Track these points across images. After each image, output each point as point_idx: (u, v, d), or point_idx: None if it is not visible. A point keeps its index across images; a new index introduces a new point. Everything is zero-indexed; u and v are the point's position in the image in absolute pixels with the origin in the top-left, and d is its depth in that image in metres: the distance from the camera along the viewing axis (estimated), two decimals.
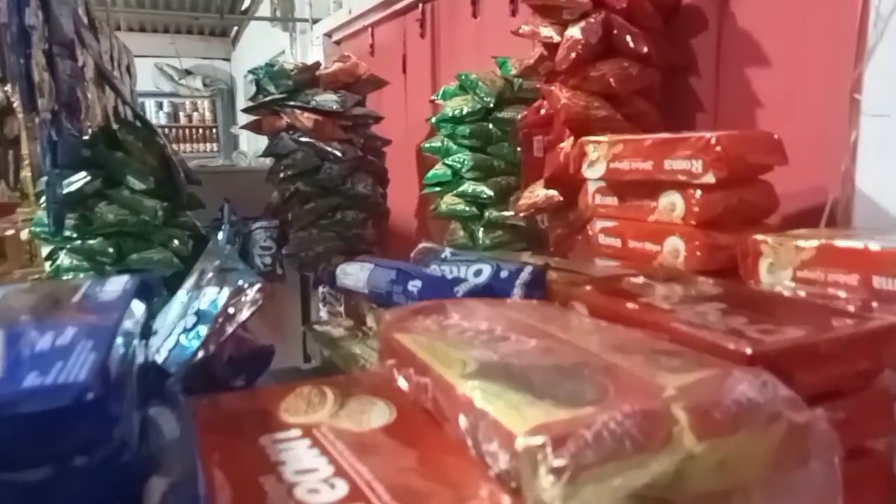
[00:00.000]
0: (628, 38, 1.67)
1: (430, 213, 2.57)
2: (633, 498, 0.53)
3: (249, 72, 3.06)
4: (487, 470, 0.59)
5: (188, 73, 9.23)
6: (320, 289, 3.28)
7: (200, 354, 0.92)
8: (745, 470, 0.58)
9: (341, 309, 2.29)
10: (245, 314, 0.96)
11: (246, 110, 3.06)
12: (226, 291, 0.99)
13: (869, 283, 1.00)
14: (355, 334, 1.33)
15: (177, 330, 0.96)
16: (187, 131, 9.82)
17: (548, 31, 1.77)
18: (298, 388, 0.81)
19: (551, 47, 1.77)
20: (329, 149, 2.92)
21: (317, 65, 3.07)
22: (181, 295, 1.06)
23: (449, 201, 2.38)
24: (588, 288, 1.00)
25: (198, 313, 0.97)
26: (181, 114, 9.92)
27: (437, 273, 1.20)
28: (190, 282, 1.09)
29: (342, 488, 0.57)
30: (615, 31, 1.68)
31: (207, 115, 9.92)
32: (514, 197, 2.15)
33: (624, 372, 0.64)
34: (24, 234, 1.76)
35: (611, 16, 1.68)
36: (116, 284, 0.70)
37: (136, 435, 0.48)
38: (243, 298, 0.98)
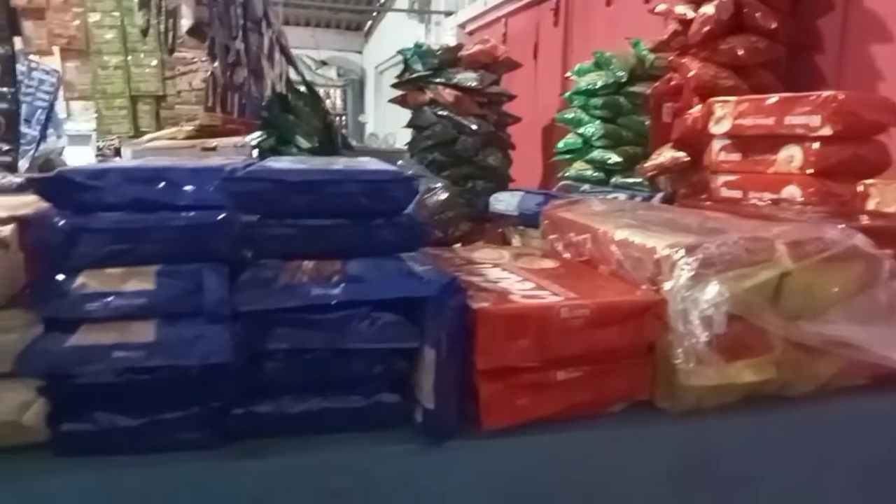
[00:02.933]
0: (758, 14, 1.84)
1: (558, 179, 2.80)
2: (745, 302, 0.76)
3: (398, 52, 3.40)
4: (635, 285, 0.84)
5: (324, 63, 9.88)
6: None
7: None
8: (827, 291, 0.79)
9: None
10: (435, 204, 1.26)
11: (395, 85, 3.40)
12: (420, 189, 1.29)
13: None
14: None
15: None
16: None
17: (682, 9, 1.96)
18: (481, 249, 1.09)
19: (685, 23, 1.96)
20: (466, 122, 3.21)
21: (459, 46, 3.38)
22: None
23: (578, 167, 2.59)
24: (711, 203, 1.23)
25: None
26: None
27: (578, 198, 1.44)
28: None
29: (529, 284, 0.83)
30: (745, 9, 1.86)
31: (339, 103, 10.58)
32: (640, 165, 2.33)
33: (741, 224, 0.87)
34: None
35: None
36: None
37: None
38: (434, 196, 1.29)
